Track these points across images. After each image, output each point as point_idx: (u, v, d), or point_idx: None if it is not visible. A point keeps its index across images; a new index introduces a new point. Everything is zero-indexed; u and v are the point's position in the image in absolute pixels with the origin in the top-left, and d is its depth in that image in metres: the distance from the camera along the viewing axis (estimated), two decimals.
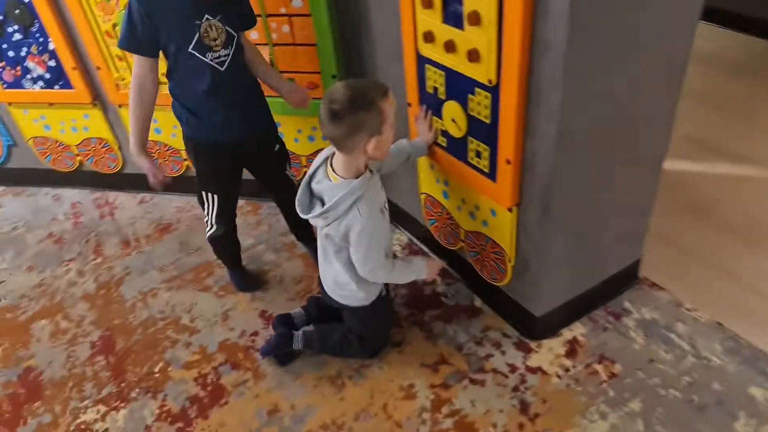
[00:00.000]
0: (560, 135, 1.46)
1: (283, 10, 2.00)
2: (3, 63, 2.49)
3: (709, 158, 2.64)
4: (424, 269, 1.77)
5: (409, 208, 2.31)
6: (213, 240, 2.09)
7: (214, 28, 1.64)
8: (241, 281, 2.24)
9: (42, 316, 2.24)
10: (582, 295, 1.92)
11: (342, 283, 1.73)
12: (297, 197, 1.59)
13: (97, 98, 2.53)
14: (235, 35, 1.71)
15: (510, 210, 1.69)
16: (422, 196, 2.14)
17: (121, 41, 1.64)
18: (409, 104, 1.91)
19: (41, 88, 2.53)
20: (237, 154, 1.90)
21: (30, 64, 2.46)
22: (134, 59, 1.67)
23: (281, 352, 1.89)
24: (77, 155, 2.79)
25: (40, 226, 2.74)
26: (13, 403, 1.91)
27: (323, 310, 1.94)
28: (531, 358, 1.85)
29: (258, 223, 2.58)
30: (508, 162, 1.58)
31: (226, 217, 2.03)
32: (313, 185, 1.56)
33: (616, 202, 1.78)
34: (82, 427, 1.81)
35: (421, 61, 1.73)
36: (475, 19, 1.43)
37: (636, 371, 1.76)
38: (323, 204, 1.54)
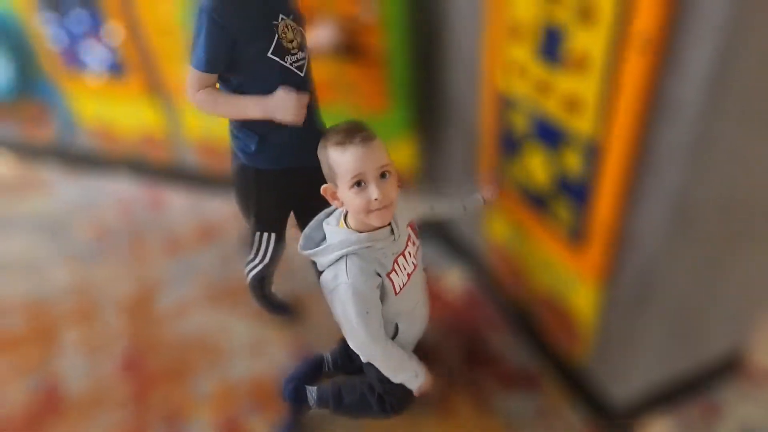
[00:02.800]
0: (675, 210, 1.16)
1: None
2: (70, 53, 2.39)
3: None
4: (422, 372, 1.45)
5: (472, 243, 2.04)
6: (260, 278, 1.84)
7: (290, 28, 1.40)
8: (281, 307, 2.05)
9: (72, 319, 2.15)
10: (672, 384, 1.60)
11: None
12: (305, 231, 1.38)
13: (157, 92, 2.40)
14: (305, 38, 1.47)
15: (598, 281, 1.39)
16: (490, 242, 1.86)
17: (202, 63, 1.37)
18: (483, 145, 1.63)
19: (107, 77, 2.43)
20: (306, 182, 1.51)
21: (90, 48, 2.35)
22: (195, 77, 1.39)
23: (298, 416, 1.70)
24: (131, 144, 2.69)
25: (88, 215, 2.67)
26: (28, 412, 1.83)
27: (350, 360, 1.73)
28: None
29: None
30: (604, 229, 1.28)
31: (277, 257, 1.78)
32: (325, 226, 1.36)
33: (732, 284, 1.44)
34: None
35: (504, 96, 1.45)
36: (581, 61, 1.13)
37: None
38: None
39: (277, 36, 1.37)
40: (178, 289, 2.23)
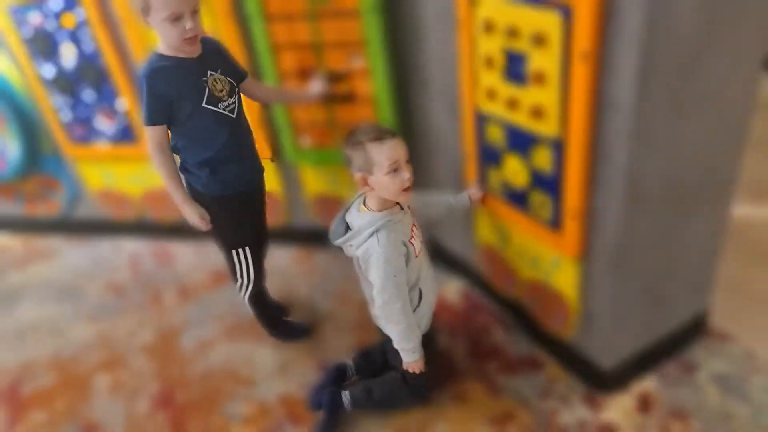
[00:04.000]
0: (628, 189, 1.46)
1: (342, 68, 2.08)
2: (74, 120, 2.63)
3: None
4: (420, 353, 1.75)
5: (465, 255, 2.30)
6: (255, 297, 2.12)
7: (218, 80, 1.74)
8: (293, 330, 2.26)
9: (102, 368, 2.28)
10: (651, 347, 1.86)
11: (376, 313, 1.77)
12: (331, 227, 1.72)
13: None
14: (236, 85, 1.81)
15: (576, 261, 1.67)
16: (479, 244, 2.14)
17: (150, 119, 1.69)
18: (466, 156, 1.93)
19: (108, 143, 2.66)
20: (256, 200, 2.00)
21: (99, 120, 2.59)
22: (149, 132, 1.71)
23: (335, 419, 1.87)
24: (138, 206, 2.89)
25: (99, 276, 2.82)
26: None
27: (372, 363, 1.94)
28: (602, 413, 1.78)
29: (310, 272, 2.61)
30: (575, 214, 1.57)
31: (261, 268, 2.07)
32: (347, 217, 1.70)
33: (685, 253, 1.74)
34: None
35: (480, 116, 1.76)
36: (540, 78, 1.46)
37: (715, 428, 1.68)
38: None
39: (207, 89, 1.71)
40: (199, 329, 2.39)
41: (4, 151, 2.82)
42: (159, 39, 1.65)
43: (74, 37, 2.40)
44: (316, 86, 2.11)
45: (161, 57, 1.65)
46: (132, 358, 2.31)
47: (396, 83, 2.07)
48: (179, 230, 2.87)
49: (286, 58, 2.11)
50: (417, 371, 1.76)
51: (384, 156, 1.52)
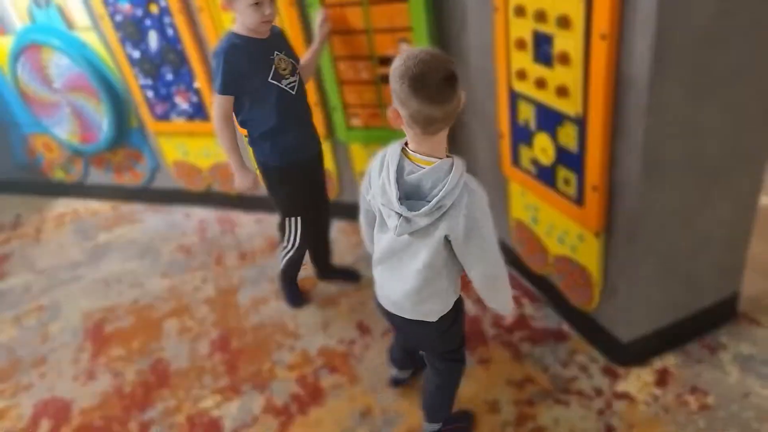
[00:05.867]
0: (645, 165, 1.53)
1: (391, 52, 2.25)
2: (156, 98, 2.97)
3: None
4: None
5: (498, 231, 2.41)
6: (292, 262, 2.36)
7: (283, 60, 1.98)
8: (299, 298, 2.49)
9: (171, 315, 2.59)
10: (674, 325, 1.91)
11: (423, 296, 1.44)
12: (391, 200, 1.32)
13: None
14: (297, 66, 2.04)
15: (597, 235, 1.76)
16: (512, 221, 2.25)
17: (222, 89, 1.92)
18: (501, 135, 2.05)
19: (184, 119, 2.98)
20: (311, 171, 2.20)
21: (177, 99, 2.91)
22: (218, 100, 1.95)
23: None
24: (207, 178, 3.21)
25: (172, 239, 3.16)
26: (145, 387, 2.23)
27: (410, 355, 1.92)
28: (618, 384, 1.87)
29: (358, 244, 2.80)
30: (595, 189, 1.66)
31: (308, 237, 2.29)
32: (406, 178, 1.31)
33: (709, 233, 1.78)
34: (201, 412, 2.08)
35: (513, 95, 1.88)
36: (564, 58, 1.56)
37: (730, 404, 1.73)
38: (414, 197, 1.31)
39: (274, 66, 1.96)
40: (254, 288, 2.66)
41: (98, 125, 3.21)
42: (237, 20, 1.91)
43: (158, 24, 2.71)
44: (320, 28, 2.26)
45: (237, 36, 1.91)
46: (197, 309, 2.60)
47: None
48: (242, 201, 3.17)
49: (338, 43, 2.31)
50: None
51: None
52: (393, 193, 1.29)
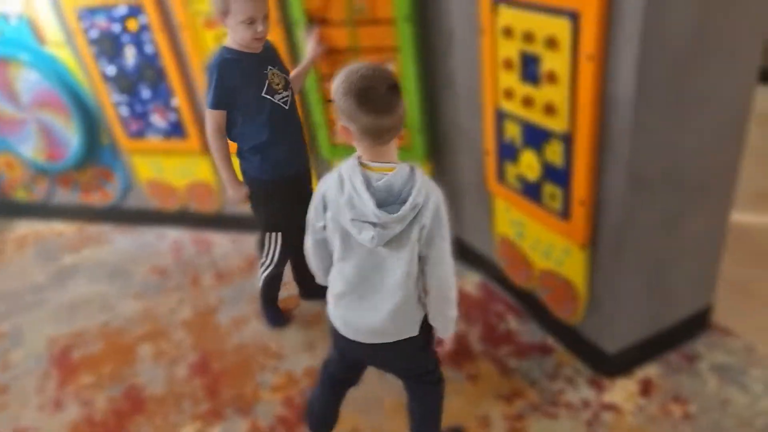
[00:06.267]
0: (631, 180, 1.61)
1: None
2: (131, 116, 2.90)
3: None
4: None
5: (483, 248, 2.46)
6: (271, 279, 2.32)
7: (276, 75, 2.00)
8: (280, 318, 2.45)
9: (146, 338, 2.49)
10: (655, 336, 1.98)
11: (406, 309, 1.42)
12: (366, 208, 1.31)
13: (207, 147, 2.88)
14: (289, 81, 2.07)
15: (583, 248, 1.81)
16: (497, 237, 2.29)
17: (214, 103, 1.94)
18: (486, 153, 2.10)
19: (161, 137, 2.92)
20: (299, 186, 2.16)
21: (154, 117, 2.86)
22: (211, 115, 1.96)
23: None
24: (182, 197, 3.14)
25: (145, 260, 3.06)
26: (118, 415, 2.13)
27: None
28: (605, 395, 1.91)
29: None
30: (582, 203, 1.72)
31: (287, 255, 2.27)
32: (376, 185, 1.31)
33: (686, 246, 1.87)
34: None
35: (500, 114, 1.94)
36: (552, 78, 1.63)
37: (711, 412, 1.79)
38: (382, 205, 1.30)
39: (267, 81, 1.97)
40: (233, 308, 2.60)
41: (66, 142, 3.11)
42: (229, 35, 1.92)
43: (136, 40, 2.67)
44: (312, 47, 2.28)
45: (229, 50, 1.92)
46: (173, 331, 2.52)
47: (424, 86, 2.27)
48: (218, 220, 3.11)
49: (325, 62, 2.33)
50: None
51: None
52: (368, 201, 1.28)
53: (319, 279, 1.57)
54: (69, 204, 3.44)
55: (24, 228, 3.53)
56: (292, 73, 2.19)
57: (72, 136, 3.07)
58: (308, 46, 2.29)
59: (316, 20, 2.26)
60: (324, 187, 1.39)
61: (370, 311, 1.42)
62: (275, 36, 2.34)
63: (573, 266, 1.90)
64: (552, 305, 2.10)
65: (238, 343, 2.39)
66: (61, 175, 3.32)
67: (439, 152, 2.42)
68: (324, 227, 1.42)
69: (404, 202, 1.28)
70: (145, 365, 2.35)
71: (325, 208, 1.39)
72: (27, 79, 2.97)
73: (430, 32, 2.17)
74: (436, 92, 2.29)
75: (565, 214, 1.81)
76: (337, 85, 1.29)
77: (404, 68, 2.21)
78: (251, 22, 1.83)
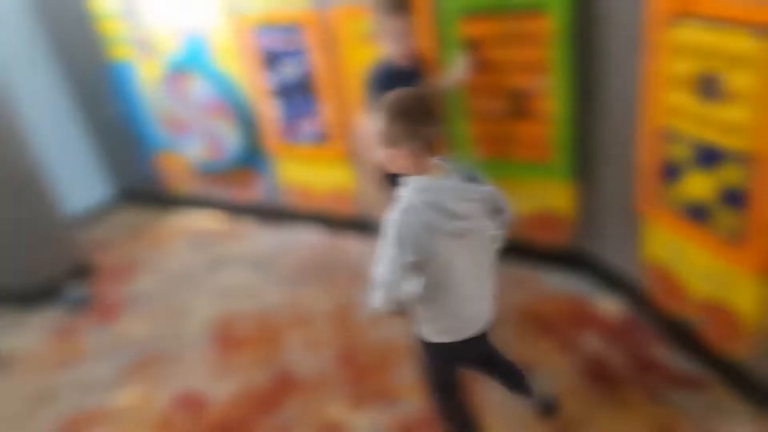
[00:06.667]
0: None
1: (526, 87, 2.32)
2: (285, 123, 3.17)
3: None
4: None
5: (626, 270, 2.37)
6: None
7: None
8: None
9: (292, 326, 2.68)
10: None
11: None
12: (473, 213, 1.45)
13: (351, 157, 3.07)
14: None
15: (759, 275, 1.70)
16: (646, 260, 2.21)
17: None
18: (643, 173, 2.04)
19: (309, 144, 3.16)
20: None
21: (304, 125, 3.10)
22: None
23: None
24: (323, 200, 3.36)
25: (285, 255, 3.30)
26: (272, 391, 2.31)
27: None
28: None
29: None
30: (762, 227, 1.62)
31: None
32: (465, 185, 1.45)
33: None
34: (331, 422, 2.12)
35: (664, 133, 1.88)
36: (736, 95, 1.57)
37: None
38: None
39: None
40: (368, 309, 2.71)
41: (228, 145, 3.45)
42: (385, 50, 2.16)
43: (296, 55, 2.92)
44: (461, 73, 2.35)
45: (387, 63, 2.16)
46: (316, 320, 2.69)
47: (573, 104, 2.26)
48: (354, 224, 3.28)
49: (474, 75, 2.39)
50: None
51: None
52: (474, 196, 1.42)
53: (397, 298, 1.52)
54: (221, 200, 3.79)
55: (180, 219, 3.94)
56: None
57: (233, 140, 3.40)
58: (456, 68, 2.36)
59: (472, 38, 2.34)
60: (413, 220, 1.38)
61: (483, 300, 1.56)
62: (430, 53, 2.46)
63: (742, 295, 1.78)
64: (710, 336, 1.98)
65: (376, 340, 2.49)
66: (216, 174, 3.69)
67: (582, 171, 2.39)
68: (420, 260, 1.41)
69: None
70: (293, 350, 2.53)
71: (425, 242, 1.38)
72: (200, 90, 3.34)
73: (585, 49, 2.16)
74: (585, 110, 2.27)
75: (740, 238, 1.72)
76: (378, 118, 1.37)
77: (557, 84, 2.22)
78: (399, 37, 2.08)
